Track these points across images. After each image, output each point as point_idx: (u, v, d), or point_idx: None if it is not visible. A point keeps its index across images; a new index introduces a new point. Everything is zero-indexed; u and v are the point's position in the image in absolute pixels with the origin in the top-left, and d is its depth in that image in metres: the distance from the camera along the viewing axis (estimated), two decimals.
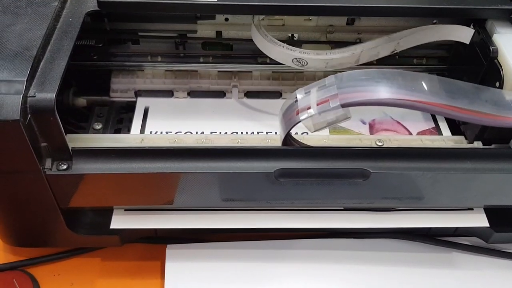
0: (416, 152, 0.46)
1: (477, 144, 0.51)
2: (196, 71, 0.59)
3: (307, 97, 0.44)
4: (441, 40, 0.56)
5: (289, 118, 0.45)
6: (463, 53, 0.55)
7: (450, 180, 0.47)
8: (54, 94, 0.40)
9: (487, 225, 0.52)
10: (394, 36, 0.55)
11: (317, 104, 0.43)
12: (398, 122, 0.58)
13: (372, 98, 0.42)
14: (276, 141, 0.51)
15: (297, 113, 0.44)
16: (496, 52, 0.49)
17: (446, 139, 0.54)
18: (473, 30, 0.52)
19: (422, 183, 0.47)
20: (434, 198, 0.49)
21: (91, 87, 0.58)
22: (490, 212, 0.53)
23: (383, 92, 0.42)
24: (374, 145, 0.51)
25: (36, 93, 0.40)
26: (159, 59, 0.59)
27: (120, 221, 0.51)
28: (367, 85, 0.42)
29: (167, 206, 0.50)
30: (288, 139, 0.46)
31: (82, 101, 0.57)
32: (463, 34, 0.53)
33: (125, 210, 0.51)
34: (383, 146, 0.49)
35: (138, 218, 0.51)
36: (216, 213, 0.51)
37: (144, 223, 0.51)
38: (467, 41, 0.53)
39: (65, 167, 0.44)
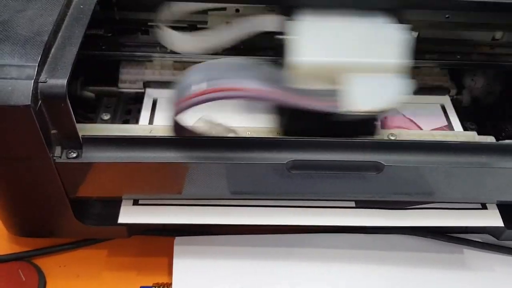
0: (431, 145, 0.46)
1: (490, 139, 0.51)
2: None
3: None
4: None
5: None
6: None
7: (464, 174, 0.46)
8: (66, 80, 0.40)
9: (501, 224, 0.51)
10: None
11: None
12: (410, 120, 0.57)
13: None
14: (287, 133, 0.50)
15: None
16: None
17: (458, 134, 0.54)
18: None
19: (435, 177, 0.46)
20: (447, 193, 0.48)
21: (99, 77, 0.58)
22: (502, 208, 0.52)
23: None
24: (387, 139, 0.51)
25: (47, 79, 0.40)
26: (168, 50, 0.58)
27: (128, 215, 0.50)
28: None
29: (176, 196, 0.49)
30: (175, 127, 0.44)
31: (90, 91, 0.57)
32: None
33: (133, 204, 0.51)
34: (396, 140, 0.49)
35: (146, 212, 0.50)
36: (226, 208, 0.51)
37: (153, 218, 0.50)
38: None
39: (74, 155, 0.43)
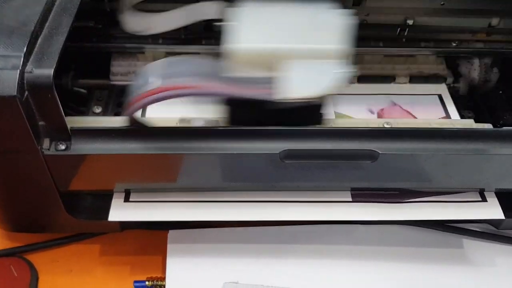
0: (426, 132, 0.45)
1: (487, 127, 0.50)
2: (199, 53, 0.57)
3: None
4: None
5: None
6: None
7: (461, 161, 0.45)
8: (52, 69, 0.39)
9: (502, 217, 0.50)
10: None
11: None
12: (408, 112, 0.56)
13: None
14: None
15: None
16: None
17: (455, 122, 0.53)
18: None
19: (432, 165, 0.45)
20: (444, 181, 0.48)
21: (90, 70, 0.57)
22: (501, 196, 0.51)
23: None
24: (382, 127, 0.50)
25: (33, 69, 0.39)
26: (160, 41, 0.57)
27: (118, 213, 0.49)
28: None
29: (168, 188, 0.49)
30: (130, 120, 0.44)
31: (81, 84, 0.56)
32: None
33: (124, 201, 0.50)
34: (391, 127, 0.48)
35: (137, 209, 0.49)
36: (218, 204, 0.50)
37: (143, 215, 0.49)
38: None
39: (63, 147, 0.43)
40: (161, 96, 0.41)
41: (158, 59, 0.56)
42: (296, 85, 0.41)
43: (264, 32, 0.44)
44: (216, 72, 0.42)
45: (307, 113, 0.45)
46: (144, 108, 0.43)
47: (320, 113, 0.45)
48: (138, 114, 0.52)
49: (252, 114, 0.45)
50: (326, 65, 0.43)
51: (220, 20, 0.47)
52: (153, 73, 0.41)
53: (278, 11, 0.46)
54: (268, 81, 0.42)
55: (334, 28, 0.44)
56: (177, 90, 0.41)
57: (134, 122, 0.44)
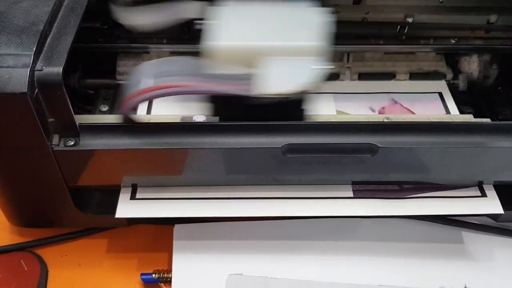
0: (426, 126, 0.46)
1: (486, 121, 0.51)
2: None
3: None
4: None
5: None
6: None
7: (459, 154, 0.46)
8: (62, 67, 0.40)
9: (501, 211, 0.50)
10: None
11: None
12: (408, 109, 0.57)
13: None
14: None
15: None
16: None
17: (454, 117, 0.54)
18: None
19: (431, 158, 0.46)
20: (443, 173, 0.48)
21: (97, 70, 0.58)
22: (500, 190, 0.52)
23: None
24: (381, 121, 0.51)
25: (43, 67, 0.40)
26: (165, 41, 0.58)
27: (125, 210, 0.50)
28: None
29: (173, 183, 0.50)
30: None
31: (88, 84, 0.57)
32: None
33: (131, 198, 0.51)
34: (391, 121, 0.49)
35: (143, 206, 0.50)
36: (223, 201, 0.51)
37: (149, 212, 0.50)
38: None
39: (72, 143, 0.44)
40: (152, 95, 0.42)
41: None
42: (273, 81, 0.42)
43: (243, 30, 0.45)
44: (200, 71, 0.44)
45: (289, 109, 0.46)
46: (136, 106, 0.45)
47: (302, 109, 0.46)
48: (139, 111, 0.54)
49: (235, 110, 0.46)
50: (303, 62, 0.44)
51: (201, 20, 0.48)
52: (145, 73, 0.43)
53: (258, 10, 0.47)
54: (246, 78, 0.43)
55: (311, 26, 0.45)
56: (166, 89, 0.42)
57: (127, 120, 0.45)
